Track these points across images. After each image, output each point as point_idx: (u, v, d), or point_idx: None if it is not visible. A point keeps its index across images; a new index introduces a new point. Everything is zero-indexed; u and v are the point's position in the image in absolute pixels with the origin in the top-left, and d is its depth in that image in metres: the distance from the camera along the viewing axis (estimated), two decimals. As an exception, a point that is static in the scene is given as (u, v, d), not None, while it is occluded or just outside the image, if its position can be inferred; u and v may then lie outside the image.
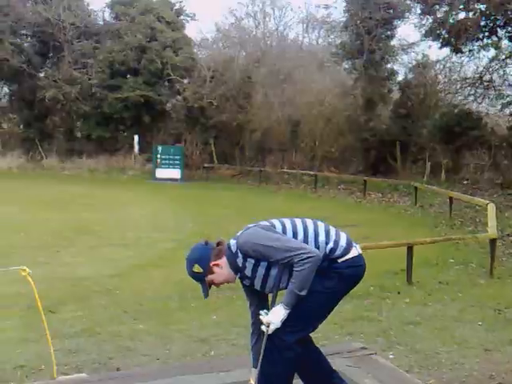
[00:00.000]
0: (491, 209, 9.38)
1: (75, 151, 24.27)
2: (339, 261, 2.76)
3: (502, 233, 9.83)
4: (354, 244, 2.87)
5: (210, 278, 2.80)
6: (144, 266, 8.18)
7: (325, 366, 3.03)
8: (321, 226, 2.85)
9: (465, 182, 16.87)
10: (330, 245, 2.76)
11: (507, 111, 18.06)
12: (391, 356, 4.45)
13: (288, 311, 2.70)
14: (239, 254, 2.77)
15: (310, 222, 2.85)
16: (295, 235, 2.77)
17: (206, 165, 22.16)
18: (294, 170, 20.55)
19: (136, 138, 23.24)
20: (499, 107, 18.45)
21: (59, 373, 3.96)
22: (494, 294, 6.58)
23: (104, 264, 8.25)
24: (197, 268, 2.77)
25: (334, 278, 2.75)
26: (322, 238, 2.77)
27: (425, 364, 4.31)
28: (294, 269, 2.65)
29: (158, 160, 21.26)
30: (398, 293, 6.66)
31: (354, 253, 2.81)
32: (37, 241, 9.75)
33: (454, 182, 16.90)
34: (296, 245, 2.69)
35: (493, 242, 7.80)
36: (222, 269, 2.79)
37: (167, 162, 21.22)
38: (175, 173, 21.10)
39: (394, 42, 20.78)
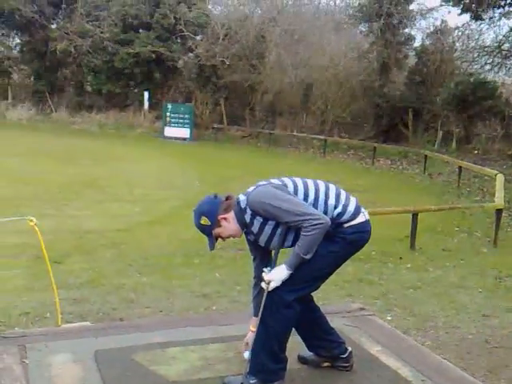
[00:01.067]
0: (500, 179, 9.34)
1: (85, 105, 24.17)
2: (345, 226, 2.77)
3: (509, 204, 9.80)
4: (362, 209, 2.86)
5: (216, 231, 2.80)
6: (150, 222, 8.25)
7: (323, 322, 3.08)
8: (332, 188, 2.84)
9: (475, 152, 16.71)
10: (339, 209, 2.76)
11: (523, 81, 17.74)
12: (389, 318, 4.52)
13: (290, 272, 2.71)
14: (248, 211, 2.78)
15: (321, 184, 2.85)
16: (306, 197, 2.76)
17: (215, 125, 22.02)
18: (304, 133, 20.42)
19: (146, 94, 23.07)
20: (516, 77, 18.14)
21: (63, 321, 4.06)
22: (496, 262, 6.62)
23: (110, 218, 8.33)
24: (204, 220, 2.78)
25: (339, 243, 2.75)
26: (331, 201, 2.78)
27: (422, 326, 4.38)
28: (302, 233, 2.65)
29: (168, 118, 21.11)
30: (400, 258, 6.71)
31: (360, 218, 2.80)
32: (45, 193, 9.83)
33: (464, 151, 16.76)
34: (306, 210, 2.66)
35: (499, 212, 7.80)
36: (229, 223, 2.79)
37: (177, 120, 21.08)
38: (184, 132, 21.00)
39: (412, 7, 20.33)
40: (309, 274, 2.76)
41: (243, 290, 5.31)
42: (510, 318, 4.65)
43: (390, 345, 3.39)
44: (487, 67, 18.26)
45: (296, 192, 2.76)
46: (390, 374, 3.04)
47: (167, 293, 5.21)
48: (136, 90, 24.18)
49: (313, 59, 21.33)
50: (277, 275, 2.72)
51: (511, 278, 5.94)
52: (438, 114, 18.77)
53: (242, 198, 2.81)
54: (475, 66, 18.85)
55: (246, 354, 3.16)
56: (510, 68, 18.09)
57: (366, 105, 20.45)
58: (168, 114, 21.09)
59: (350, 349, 3.05)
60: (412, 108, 19.02)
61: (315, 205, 2.75)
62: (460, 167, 12.65)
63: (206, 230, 2.80)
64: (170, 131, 21.00)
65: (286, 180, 2.83)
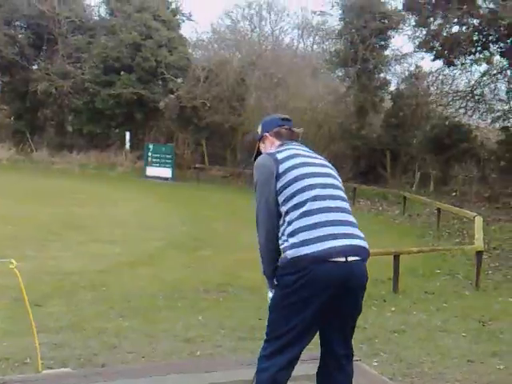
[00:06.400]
0: (478, 221, 9.48)
1: (66, 145, 24.12)
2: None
3: (489, 246, 9.92)
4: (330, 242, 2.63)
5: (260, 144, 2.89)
6: (132, 263, 8.16)
7: None
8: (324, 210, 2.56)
9: (453, 194, 17.00)
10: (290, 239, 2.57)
11: (497, 125, 18.25)
12: (375, 363, 4.49)
13: (269, 294, 2.65)
14: None
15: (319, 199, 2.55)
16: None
17: (197, 165, 22.12)
18: (285, 174, 20.53)
19: (127, 134, 23.15)
20: (489, 121, 18.66)
21: (44, 366, 3.95)
22: (478, 305, 6.65)
23: (92, 260, 8.22)
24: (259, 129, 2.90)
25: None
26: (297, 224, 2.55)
27: (408, 372, 4.35)
28: None
29: (149, 158, 21.19)
30: (384, 301, 6.71)
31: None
32: (25, 234, 9.68)
33: (442, 193, 17.02)
34: (257, 212, 2.58)
35: (479, 254, 7.88)
36: (265, 145, 2.85)
37: (158, 160, 21.15)
38: (166, 172, 21.04)
39: (387, 52, 20.92)
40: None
41: (227, 334, 5.24)
42: (496, 364, 4.65)
43: (378, 392, 3.36)
44: (461, 111, 18.80)
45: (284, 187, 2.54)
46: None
47: (150, 337, 5.12)
48: (117, 131, 24.26)
49: (291, 102, 21.73)
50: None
51: (495, 321, 5.96)
52: (415, 156, 19.15)
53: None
54: (450, 110, 19.38)
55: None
56: (483, 112, 18.65)
57: (344, 147, 20.77)
58: (149, 154, 21.18)
59: None
60: (389, 150, 19.37)
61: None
62: (439, 209, 12.83)
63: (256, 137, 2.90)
64: (151, 171, 21.03)
65: (289, 165, 2.57)
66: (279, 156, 2.58)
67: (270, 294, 2.66)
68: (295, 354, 2.53)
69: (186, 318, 5.73)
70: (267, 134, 2.81)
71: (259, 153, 2.85)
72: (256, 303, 6.34)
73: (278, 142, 2.75)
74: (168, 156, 21.20)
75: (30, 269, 6.70)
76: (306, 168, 2.56)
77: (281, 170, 2.51)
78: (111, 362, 4.46)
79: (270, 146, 2.79)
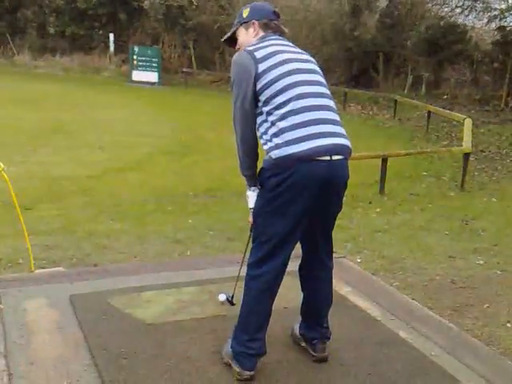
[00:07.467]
0: (468, 124, 9.45)
1: (48, 48, 23.27)
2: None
3: (476, 148, 9.98)
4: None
5: (241, 30, 2.64)
6: (121, 168, 8.16)
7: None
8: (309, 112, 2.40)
9: (444, 97, 16.83)
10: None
11: (493, 25, 17.73)
12: (359, 260, 4.65)
13: (248, 193, 2.61)
14: None
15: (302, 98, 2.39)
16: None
17: (184, 69, 21.54)
18: (275, 77, 20.10)
19: (111, 36, 22.29)
20: (486, 21, 18.09)
21: (37, 266, 4.05)
22: (462, 206, 6.80)
23: (80, 165, 8.21)
24: (245, 12, 2.62)
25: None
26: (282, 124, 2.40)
27: (390, 268, 4.52)
28: None
29: (135, 61, 20.52)
30: (370, 203, 6.83)
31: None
32: (11, 139, 9.57)
33: (433, 96, 16.85)
34: (234, 111, 2.45)
35: (466, 156, 7.94)
36: (247, 36, 2.61)
37: (144, 63, 20.50)
38: (152, 76, 20.48)
39: None
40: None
41: (216, 236, 5.37)
42: (475, 260, 4.83)
43: (360, 286, 3.48)
44: (458, 10, 18.17)
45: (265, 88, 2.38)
46: (360, 313, 3.14)
47: (140, 239, 5.23)
48: (101, 32, 23.32)
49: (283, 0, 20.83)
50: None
51: (477, 220, 6.13)
52: (409, 58, 18.73)
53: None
54: (446, 9, 18.74)
55: (221, 297, 3.22)
56: (479, 11, 18.03)
57: (337, 49, 20.20)
58: (135, 57, 20.48)
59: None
60: (383, 52, 18.90)
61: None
62: (429, 112, 12.74)
63: (236, 19, 2.66)
64: (137, 75, 20.45)
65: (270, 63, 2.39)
66: (258, 54, 2.39)
67: (248, 192, 2.63)
68: (285, 257, 2.50)
69: (175, 221, 5.84)
70: (255, 21, 2.57)
71: (235, 38, 2.65)
72: (244, 207, 6.39)
73: (261, 34, 2.56)
74: (154, 59, 20.52)
75: (19, 174, 6.70)
76: (288, 65, 2.40)
77: (260, 70, 2.35)
78: (103, 261, 4.58)
79: (252, 35, 2.58)
